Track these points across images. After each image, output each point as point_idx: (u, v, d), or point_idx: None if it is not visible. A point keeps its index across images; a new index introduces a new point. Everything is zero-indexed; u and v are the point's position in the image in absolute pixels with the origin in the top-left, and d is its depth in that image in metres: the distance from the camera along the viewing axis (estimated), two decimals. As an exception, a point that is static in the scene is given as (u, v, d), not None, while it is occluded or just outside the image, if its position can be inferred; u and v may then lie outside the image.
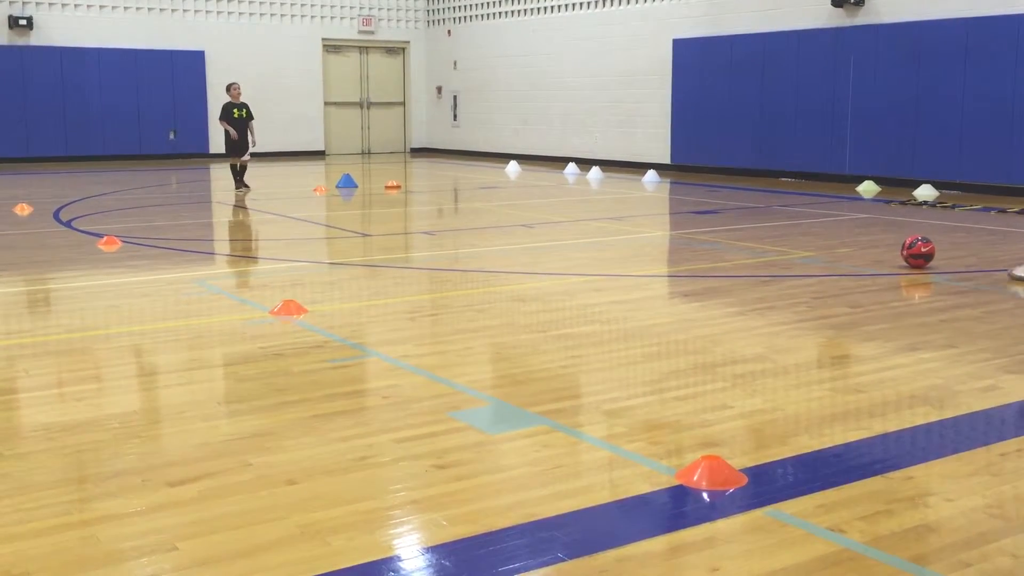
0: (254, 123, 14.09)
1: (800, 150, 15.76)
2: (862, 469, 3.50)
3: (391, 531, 3.00)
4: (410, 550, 2.88)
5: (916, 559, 2.79)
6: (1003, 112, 13.25)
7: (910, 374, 4.70)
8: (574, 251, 8.71)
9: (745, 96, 16.54)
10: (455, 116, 23.88)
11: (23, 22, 19.58)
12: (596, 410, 4.15)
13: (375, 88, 24.10)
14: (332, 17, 23.02)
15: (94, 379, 4.67)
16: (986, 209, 11.77)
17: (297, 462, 3.53)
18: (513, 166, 19.04)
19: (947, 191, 13.67)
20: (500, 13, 22.18)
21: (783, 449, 3.68)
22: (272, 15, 22.28)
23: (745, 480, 3.33)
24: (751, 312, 6.09)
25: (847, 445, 3.74)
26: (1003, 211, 11.53)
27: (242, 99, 13.96)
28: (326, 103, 23.28)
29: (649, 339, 5.41)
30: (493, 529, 2.97)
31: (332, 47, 23.27)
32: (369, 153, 24.14)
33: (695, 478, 3.30)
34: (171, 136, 21.19)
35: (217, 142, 21.63)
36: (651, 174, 16.59)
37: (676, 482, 3.34)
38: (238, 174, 13.92)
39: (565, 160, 19.61)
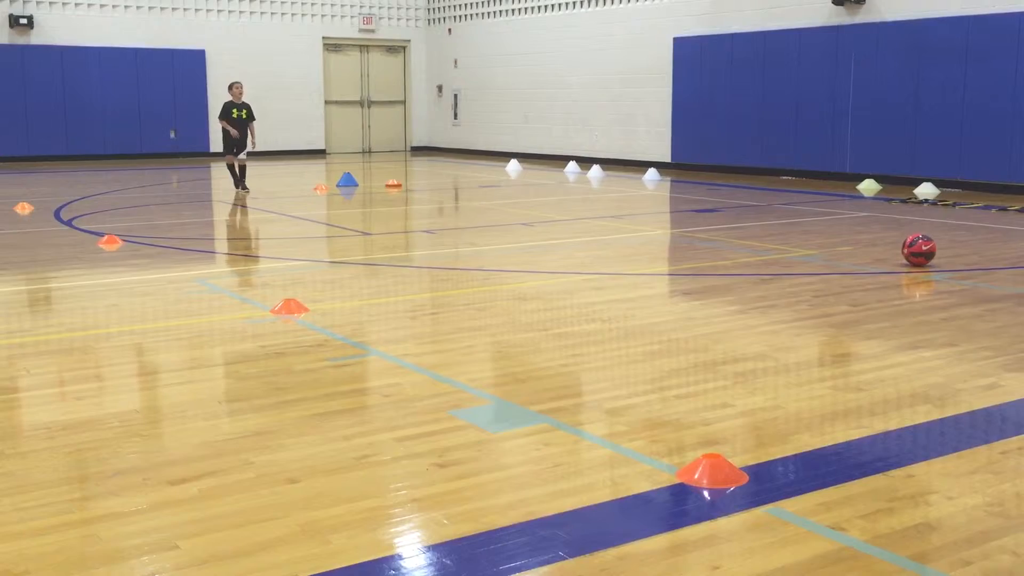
0: (255, 124, 14.03)
1: (801, 148, 15.75)
2: (863, 467, 3.50)
3: (392, 530, 3.00)
4: (411, 549, 2.88)
5: (917, 557, 2.79)
6: (1004, 110, 13.24)
7: (911, 372, 4.69)
8: (575, 250, 8.71)
9: (746, 94, 16.54)
10: (456, 115, 23.87)
11: (23, 21, 19.57)
12: (597, 408, 4.15)
13: (376, 87, 24.10)
14: (333, 16, 23.01)
15: (95, 378, 4.68)
16: (987, 207, 11.77)
17: (298, 461, 3.53)
18: (514, 164, 19.03)
19: (948, 189, 13.66)
20: (501, 12, 22.17)
21: (784, 447, 3.68)
22: (273, 14, 22.28)
23: (746, 478, 3.33)
24: (752, 310, 6.09)
25: (848, 443, 3.74)
26: (1004, 209, 11.52)
27: (244, 99, 13.88)
28: (327, 102, 23.28)
29: (650, 337, 5.41)
30: (494, 527, 2.97)
31: (333, 46, 23.27)
32: (370, 152, 24.14)
33: (696, 476, 3.30)
34: (172, 135, 21.19)
35: (218, 141, 21.65)
36: (652, 172, 16.59)
37: (677, 480, 3.34)
38: (237, 174, 13.87)
39: (566, 159, 19.61)
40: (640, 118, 18.84)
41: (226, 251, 9.24)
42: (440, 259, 8.44)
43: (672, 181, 16.13)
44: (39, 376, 4.69)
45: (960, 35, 13.63)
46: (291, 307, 5.97)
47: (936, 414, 4.09)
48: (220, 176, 16.12)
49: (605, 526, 3.02)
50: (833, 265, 7.67)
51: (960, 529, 2.96)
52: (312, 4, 22.71)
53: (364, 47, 23.77)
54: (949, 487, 3.29)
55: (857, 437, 3.80)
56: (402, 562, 2.78)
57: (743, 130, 16.65)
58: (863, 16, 14.71)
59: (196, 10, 21.37)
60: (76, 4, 20.22)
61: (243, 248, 9.23)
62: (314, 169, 19.18)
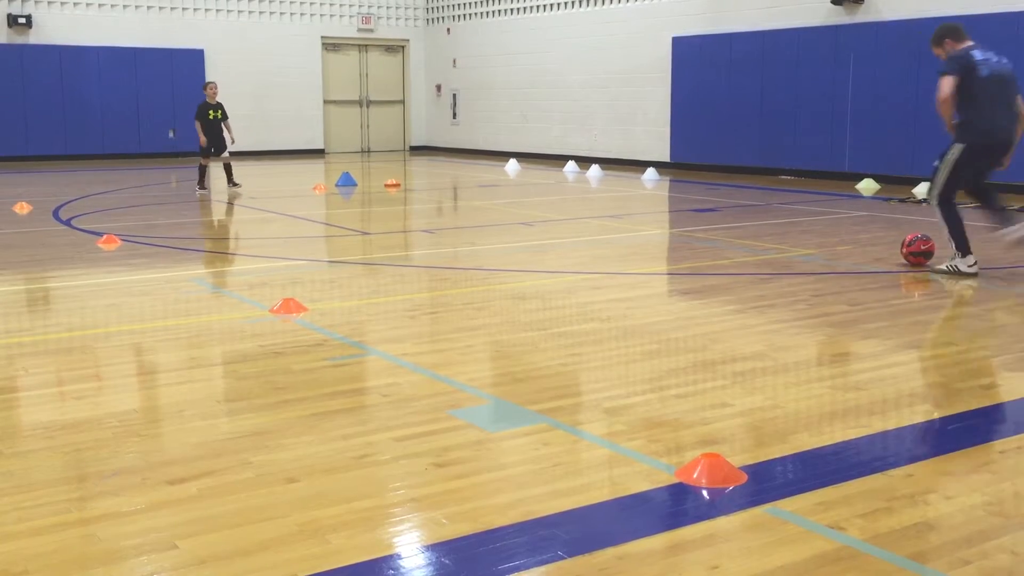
0: (230, 121, 14.02)
1: (800, 148, 15.76)
2: (862, 467, 3.50)
3: (391, 529, 3.00)
4: (410, 548, 2.88)
5: (916, 556, 2.79)
6: (1003, 110, 13.23)
7: (909, 372, 4.70)
8: (574, 249, 8.72)
9: (745, 94, 16.54)
10: (455, 114, 23.87)
11: (22, 20, 19.56)
12: (596, 408, 4.15)
13: (374, 86, 24.09)
14: (331, 15, 23.01)
15: (94, 378, 4.67)
16: (986, 207, 11.76)
17: (297, 460, 3.53)
18: (513, 164, 19.03)
19: (947, 189, 13.65)
20: (500, 11, 22.17)
21: (783, 447, 3.68)
22: (271, 13, 22.27)
23: (745, 478, 3.33)
24: (751, 310, 6.09)
25: (847, 443, 3.74)
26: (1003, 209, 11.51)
27: (218, 99, 13.89)
28: (325, 101, 23.27)
29: (649, 337, 5.41)
30: (493, 527, 2.97)
31: (331, 45, 23.26)
32: (368, 151, 24.13)
33: (695, 476, 3.30)
34: (170, 135, 21.18)
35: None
36: (650, 172, 16.59)
37: (676, 480, 3.34)
38: (207, 175, 13.89)
39: (565, 158, 19.60)
40: (639, 117, 18.84)
41: (225, 251, 9.23)
42: (439, 259, 8.44)
43: (671, 180, 16.14)
44: (38, 376, 4.69)
45: (959, 34, 13.62)
46: (290, 307, 5.97)
47: (935, 413, 4.09)
48: (219, 176, 16.07)
49: (604, 526, 3.02)
50: (832, 265, 7.67)
51: (959, 528, 2.96)
52: (311, 4, 22.70)
53: (363, 47, 23.76)
54: (948, 486, 3.29)
55: (856, 436, 3.80)
56: (401, 562, 2.78)
57: (742, 130, 16.65)
58: (862, 16, 14.71)
59: (195, 10, 21.36)
60: (75, 3, 20.21)
61: (242, 248, 9.23)
62: (313, 169, 19.18)
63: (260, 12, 22.12)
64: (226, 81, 21.43)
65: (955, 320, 5.74)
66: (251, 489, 3.27)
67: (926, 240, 7.56)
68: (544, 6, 20.93)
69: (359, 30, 23.39)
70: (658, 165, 17.67)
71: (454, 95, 23.76)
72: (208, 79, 14.57)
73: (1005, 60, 7.25)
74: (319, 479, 3.36)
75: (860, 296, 6.61)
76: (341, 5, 23.06)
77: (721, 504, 3.17)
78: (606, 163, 18.73)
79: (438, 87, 24.28)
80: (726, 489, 3.26)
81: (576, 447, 3.70)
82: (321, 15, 22.86)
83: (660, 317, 6.00)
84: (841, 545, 2.85)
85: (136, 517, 3.05)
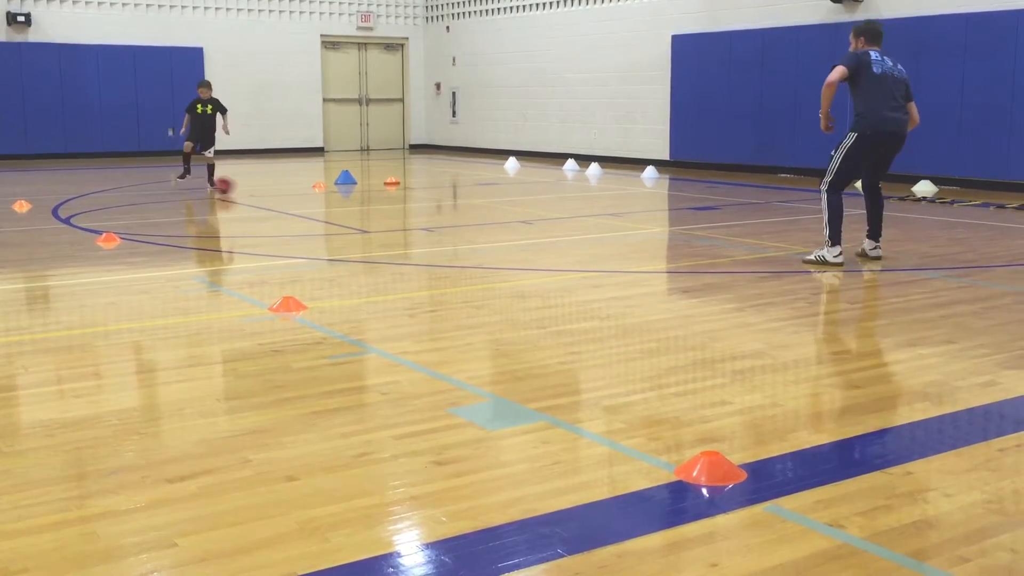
0: (229, 115, 13.93)
1: (799, 146, 15.75)
2: (861, 464, 3.50)
3: (390, 527, 3.00)
4: (409, 546, 2.88)
5: (915, 554, 2.79)
6: (1002, 108, 13.25)
7: (909, 370, 4.70)
8: (573, 247, 8.71)
9: (744, 92, 16.54)
10: (454, 112, 23.86)
11: (21, 18, 19.55)
12: (595, 406, 4.15)
13: (374, 84, 24.09)
14: (331, 13, 23.00)
15: (93, 376, 4.67)
16: (985, 205, 11.78)
17: (296, 458, 3.53)
18: (512, 162, 19.03)
19: (946, 187, 13.67)
20: (499, 9, 22.17)
21: (782, 445, 3.68)
22: (271, 11, 22.26)
23: (744, 476, 3.34)
24: (750, 308, 6.09)
25: (846, 441, 3.74)
26: (1002, 207, 11.53)
27: (213, 95, 13.89)
28: (325, 99, 23.26)
29: (648, 335, 5.41)
30: (492, 525, 2.97)
31: (331, 43, 23.25)
32: (368, 149, 24.13)
33: (694, 474, 3.30)
34: (169, 133, 21.15)
35: (217, 135, 21.63)
36: (650, 170, 16.59)
37: (675, 478, 3.34)
38: (188, 164, 13.90)
39: (564, 156, 19.60)
40: (638, 116, 18.84)
41: (224, 249, 9.23)
42: (438, 257, 8.43)
43: (670, 179, 16.14)
44: (37, 374, 4.69)
45: (958, 33, 13.63)
46: (289, 305, 5.97)
47: (934, 411, 4.09)
48: (218, 174, 16.03)
49: (603, 523, 3.02)
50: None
51: (958, 526, 2.96)
52: (310, 2, 22.70)
53: (362, 45, 23.75)
54: (947, 484, 3.29)
55: (855, 434, 3.81)
56: (400, 560, 2.79)
57: (741, 128, 16.65)
58: (861, 14, 14.69)
59: (194, 8, 21.36)
60: (74, 1, 20.20)
61: (241, 246, 9.22)
62: (312, 167, 19.17)
63: (259, 10, 22.11)
64: (225, 79, 21.45)
65: (954, 318, 5.74)
66: (250, 487, 3.27)
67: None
68: (544, 4, 20.92)
69: (358, 28, 23.38)
70: (657, 163, 17.66)
71: (453, 93, 23.75)
72: (205, 78, 14.47)
73: (901, 67, 7.65)
74: (318, 477, 3.36)
75: (859, 294, 6.61)
76: (340, 3, 23.05)
77: (720, 502, 3.17)
78: (605, 161, 18.73)
79: (437, 85, 24.27)
80: (725, 487, 3.26)
81: (576, 445, 3.70)
82: (320, 13, 22.85)
83: (659, 315, 6.00)
84: (840, 543, 2.85)
85: (136, 515, 3.05)
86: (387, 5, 23.72)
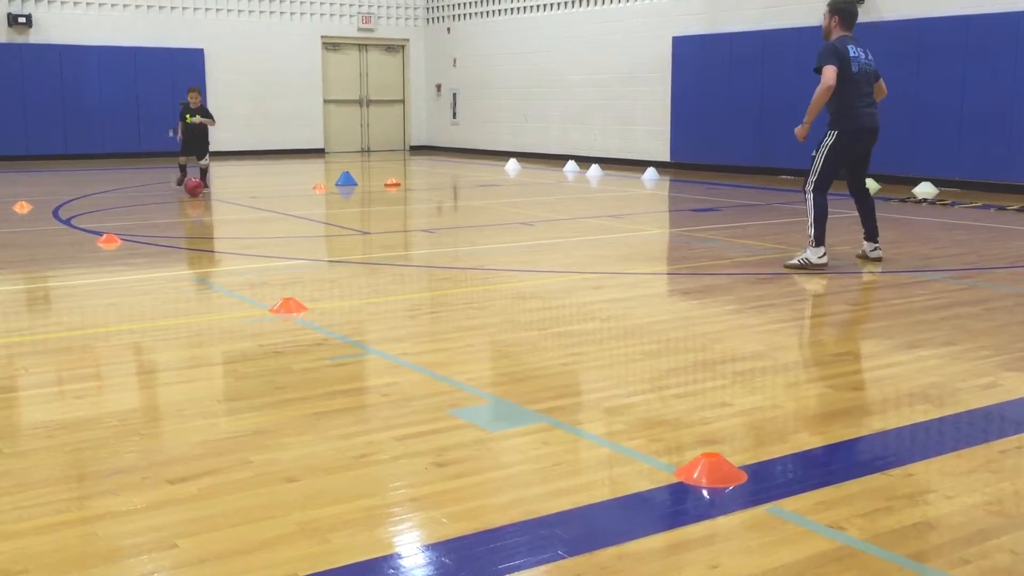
0: (209, 121, 13.83)
1: (799, 148, 15.65)
2: (862, 466, 3.50)
3: (391, 528, 3.00)
4: (410, 548, 2.88)
5: (916, 556, 2.79)
6: (1003, 109, 13.25)
7: (909, 371, 4.70)
8: (573, 249, 8.71)
9: (745, 93, 16.54)
10: (454, 114, 23.87)
11: (22, 20, 19.56)
12: (596, 407, 4.15)
13: (374, 86, 24.10)
14: (331, 15, 23.01)
15: (94, 377, 4.67)
16: (986, 207, 11.78)
17: (297, 459, 3.53)
18: (512, 164, 19.03)
19: (947, 188, 13.67)
20: (500, 11, 22.17)
21: (783, 446, 3.68)
22: (272, 13, 22.27)
23: (745, 477, 3.33)
24: (751, 310, 6.09)
25: (846, 442, 3.74)
26: (1003, 209, 11.53)
27: (202, 103, 13.91)
28: (325, 101, 23.27)
29: (649, 337, 5.41)
30: (493, 526, 2.97)
31: (331, 45, 23.26)
32: (368, 151, 24.14)
33: (695, 475, 3.30)
34: (170, 134, 21.07)
35: (216, 140, 21.60)
36: (650, 172, 16.59)
37: (676, 479, 3.34)
38: (184, 173, 13.89)
39: (564, 158, 19.61)
40: (639, 117, 18.84)
41: (225, 250, 9.23)
42: (439, 258, 8.44)
43: (671, 180, 16.14)
44: (38, 375, 4.69)
45: (959, 34, 13.63)
46: (290, 306, 5.97)
47: (935, 413, 4.09)
48: (219, 176, 16.12)
49: (604, 525, 3.02)
50: (831, 264, 7.67)
51: (959, 528, 2.96)
52: (311, 3, 22.71)
53: (363, 46, 23.76)
54: (948, 486, 3.29)
55: (856, 436, 3.80)
56: (401, 561, 2.78)
57: (742, 129, 16.65)
58: (862, 15, 14.62)
59: (195, 9, 21.37)
60: (75, 3, 20.21)
61: (242, 247, 9.22)
62: (313, 168, 19.18)
63: (260, 11, 22.12)
64: (226, 80, 21.49)
65: (955, 320, 5.74)
66: (251, 488, 3.27)
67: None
68: (544, 5, 20.93)
69: (359, 29, 23.39)
70: (658, 165, 17.67)
71: (454, 94, 23.76)
72: (194, 85, 14.35)
73: (870, 55, 7.60)
74: (319, 478, 3.36)
75: (860, 296, 6.61)
76: (341, 4, 23.06)
77: (721, 503, 3.17)
78: (606, 163, 18.73)
79: (438, 86, 24.28)
80: (726, 488, 3.26)
81: (576, 446, 3.70)
82: (321, 14, 22.86)
83: (660, 317, 6.00)
84: (841, 544, 2.85)
85: (136, 516, 3.05)
86: (388, 6, 23.73)
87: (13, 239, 9.32)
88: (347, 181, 15.13)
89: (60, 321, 5.98)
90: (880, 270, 7.50)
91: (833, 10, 7.61)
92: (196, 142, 13.77)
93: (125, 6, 20.67)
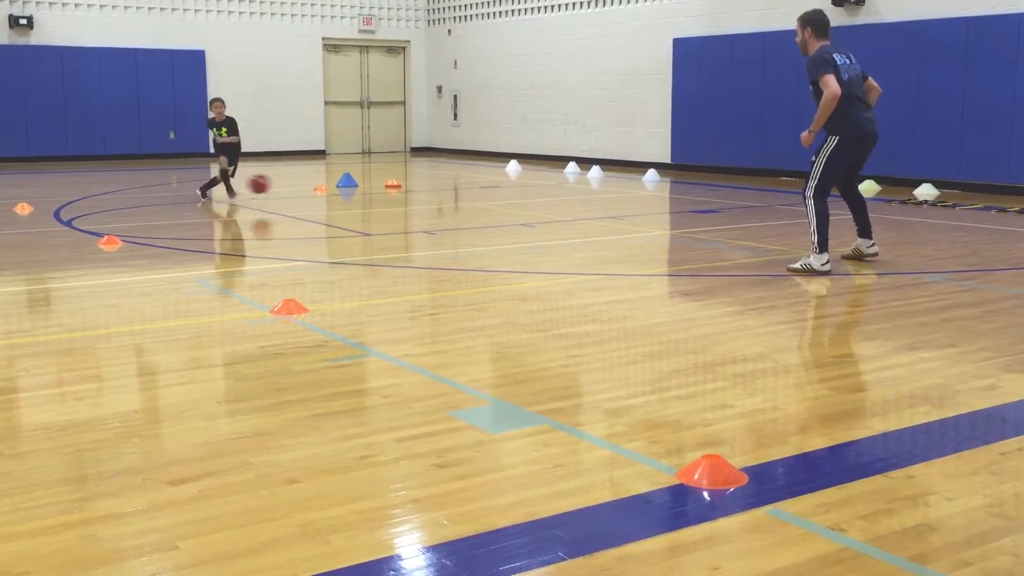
0: (238, 139, 13.25)
1: (800, 149, 15.68)
2: (862, 468, 3.50)
3: (392, 530, 3.00)
4: (410, 549, 2.88)
5: (916, 558, 2.79)
6: (1003, 111, 13.25)
7: (910, 373, 4.70)
8: (574, 250, 8.72)
9: (746, 95, 16.54)
10: (455, 115, 23.88)
11: (23, 21, 19.58)
12: (596, 409, 4.15)
13: (375, 87, 24.11)
14: (332, 16, 23.02)
15: (94, 378, 4.68)
16: (986, 208, 11.78)
17: (298, 461, 3.53)
18: (513, 165, 19.03)
19: (947, 190, 13.67)
20: (500, 12, 22.18)
21: (783, 448, 3.68)
22: (272, 14, 22.29)
23: (745, 479, 3.33)
24: (751, 311, 6.09)
25: (847, 444, 3.74)
26: (1003, 210, 11.53)
27: (227, 115, 13.35)
28: (326, 102, 23.28)
29: (649, 338, 5.41)
30: (494, 528, 2.97)
31: (332, 46, 23.27)
32: (369, 152, 24.14)
33: (696, 477, 3.30)
34: (171, 136, 21.19)
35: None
36: (651, 173, 16.59)
37: (676, 481, 3.34)
38: (227, 181, 13.68)
39: (565, 159, 19.62)
40: (640, 119, 18.85)
41: (226, 251, 9.24)
42: (440, 260, 8.44)
43: (672, 182, 16.14)
44: (38, 376, 4.69)
45: (960, 36, 13.63)
46: (291, 308, 5.97)
47: (935, 415, 4.09)
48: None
49: (605, 527, 3.02)
50: (832, 266, 7.67)
51: (960, 530, 2.96)
52: (312, 5, 22.72)
53: (364, 48, 23.78)
54: (949, 488, 3.29)
55: (856, 438, 3.80)
56: (402, 563, 2.78)
57: (743, 131, 16.65)
58: (862, 17, 14.71)
59: (196, 11, 21.39)
60: (76, 4, 20.23)
61: (242, 249, 9.23)
62: (314, 170, 19.18)
63: (261, 13, 22.14)
64: (227, 82, 21.49)
65: (955, 322, 5.74)
66: (252, 490, 3.27)
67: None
68: (545, 7, 20.94)
69: (360, 31, 23.41)
70: (659, 166, 17.67)
71: (455, 96, 23.77)
72: (217, 97, 13.59)
73: (855, 61, 7.66)
74: (320, 480, 3.36)
75: (860, 297, 6.61)
76: (342, 6, 23.07)
77: (722, 505, 3.17)
78: (607, 164, 18.73)
79: (439, 88, 24.28)
80: (727, 490, 3.26)
81: (577, 448, 3.70)
82: (322, 16, 22.88)
83: (661, 318, 6.01)
84: (842, 546, 2.85)
85: (137, 518, 3.05)
86: (389, 8, 23.74)
87: (14, 240, 9.32)
88: (348, 183, 15.14)
89: (61, 323, 5.98)
90: (880, 271, 7.49)
91: (804, 22, 7.66)
92: (229, 152, 13.34)
93: (126, 8, 20.69)
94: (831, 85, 7.24)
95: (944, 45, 13.79)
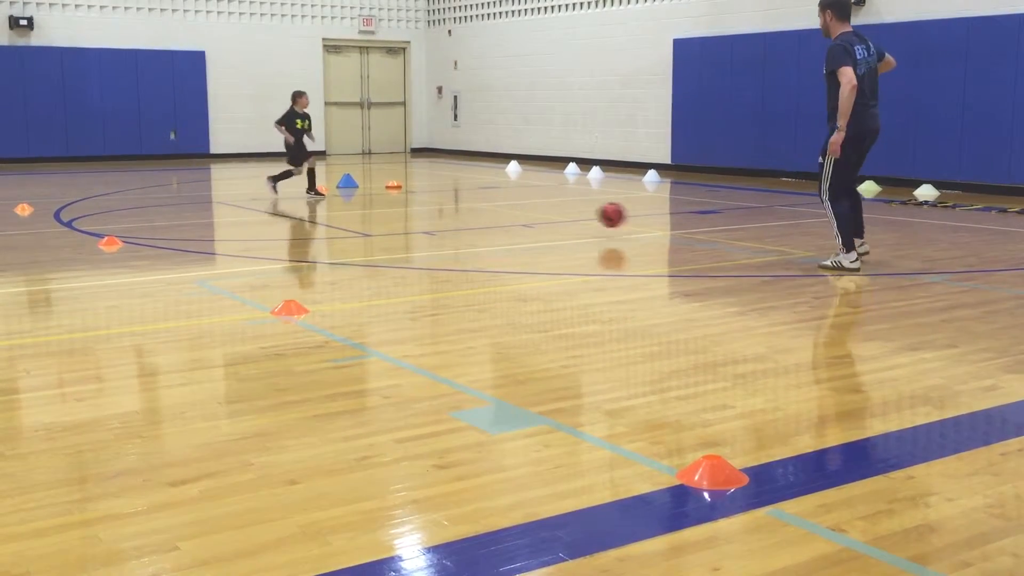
0: (312, 131, 13.87)
1: (801, 150, 15.74)
2: (863, 469, 3.50)
3: (392, 531, 3.00)
4: (411, 550, 2.88)
5: (917, 559, 2.79)
6: (1004, 112, 13.24)
7: (911, 374, 4.70)
8: (575, 251, 8.72)
9: (746, 96, 16.54)
10: (455, 116, 23.88)
11: (23, 22, 19.59)
12: (597, 410, 4.15)
13: (376, 88, 24.11)
14: (332, 17, 23.02)
15: (95, 379, 4.68)
16: (987, 209, 11.77)
17: (298, 462, 3.53)
18: (514, 166, 19.04)
19: (948, 191, 13.67)
20: (501, 13, 22.18)
21: (784, 449, 3.68)
22: (273, 15, 22.29)
23: (746, 480, 3.33)
24: (752, 312, 6.09)
25: (848, 445, 3.74)
26: (1004, 211, 11.53)
27: (306, 109, 13.82)
28: (326, 103, 23.28)
29: (650, 339, 5.41)
30: (494, 529, 2.97)
31: (332, 47, 23.28)
32: (370, 153, 24.14)
33: (696, 478, 3.30)
34: (172, 136, 21.19)
35: (218, 143, 21.68)
36: (652, 174, 16.59)
37: (677, 482, 3.34)
38: (310, 178, 13.74)
39: (566, 160, 19.62)
40: (640, 120, 18.85)
41: (226, 252, 9.23)
42: (440, 260, 8.44)
43: (672, 183, 16.14)
44: (39, 377, 4.69)
45: (960, 37, 13.63)
46: (291, 308, 5.98)
47: (936, 416, 4.09)
48: (220, 177, 16.08)
49: (605, 527, 3.02)
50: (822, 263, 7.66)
51: (960, 531, 2.96)
52: (312, 6, 22.73)
53: (364, 48, 23.78)
54: (949, 489, 3.29)
55: (857, 439, 3.80)
56: (402, 563, 2.79)
57: (743, 132, 16.65)
58: (863, 18, 14.71)
59: (196, 11, 21.39)
60: (76, 5, 20.23)
61: (243, 249, 9.22)
62: (314, 170, 19.13)
63: (261, 14, 22.14)
64: (227, 83, 21.52)
65: (956, 322, 5.74)
66: (252, 491, 3.27)
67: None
68: (545, 8, 20.94)
69: (360, 32, 23.41)
70: (659, 167, 17.67)
71: (455, 97, 23.77)
72: (302, 90, 14.08)
73: (873, 49, 7.54)
74: (320, 481, 3.36)
75: (861, 298, 6.61)
76: (342, 7, 23.07)
77: (722, 506, 3.17)
78: (607, 165, 18.73)
79: (439, 89, 24.29)
80: (727, 491, 3.26)
81: (577, 449, 3.70)
82: (322, 17, 22.88)
83: (661, 319, 6.00)
84: (842, 547, 2.85)
85: (137, 519, 3.05)
86: (389, 9, 23.75)
87: (15, 241, 9.33)
88: (348, 183, 15.13)
89: (61, 323, 5.98)
90: (881, 272, 7.49)
91: (825, 6, 7.61)
92: (302, 146, 13.55)
93: (126, 9, 20.69)
94: (848, 76, 7.16)
95: (944, 45, 13.79)
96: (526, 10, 21.46)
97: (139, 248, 8.73)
